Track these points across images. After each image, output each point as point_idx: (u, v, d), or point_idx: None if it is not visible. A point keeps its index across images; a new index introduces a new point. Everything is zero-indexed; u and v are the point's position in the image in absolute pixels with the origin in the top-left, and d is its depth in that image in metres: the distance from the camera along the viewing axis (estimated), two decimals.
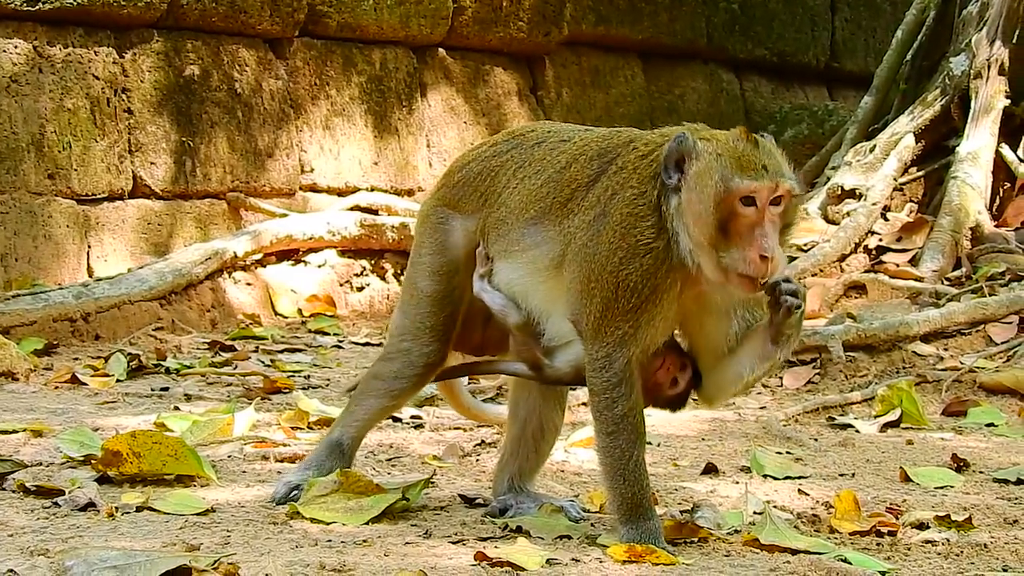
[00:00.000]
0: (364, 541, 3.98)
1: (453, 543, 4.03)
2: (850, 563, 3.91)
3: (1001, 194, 9.31)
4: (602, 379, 3.92)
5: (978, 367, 7.16)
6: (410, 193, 10.87)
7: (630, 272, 3.87)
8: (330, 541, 3.98)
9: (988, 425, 6.42)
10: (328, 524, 4.15)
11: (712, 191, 3.82)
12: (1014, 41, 9.44)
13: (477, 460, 5.22)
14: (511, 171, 4.19)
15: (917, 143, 9.66)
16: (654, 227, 3.88)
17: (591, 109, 12.02)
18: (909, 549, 4.17)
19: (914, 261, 8.85)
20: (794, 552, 4.04)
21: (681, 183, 3.86)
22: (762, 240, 3.82)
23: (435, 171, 10.84)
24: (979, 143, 9.24)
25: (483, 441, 5.43)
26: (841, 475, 5.26)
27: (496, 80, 11.58)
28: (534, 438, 4.42)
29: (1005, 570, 3.94)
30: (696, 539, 4.17)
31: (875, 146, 9.70)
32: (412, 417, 5.97)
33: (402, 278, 5.09)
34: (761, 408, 6.68)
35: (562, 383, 4.25)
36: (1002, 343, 7.48)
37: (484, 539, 4.08)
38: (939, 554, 4.11)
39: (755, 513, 4.52)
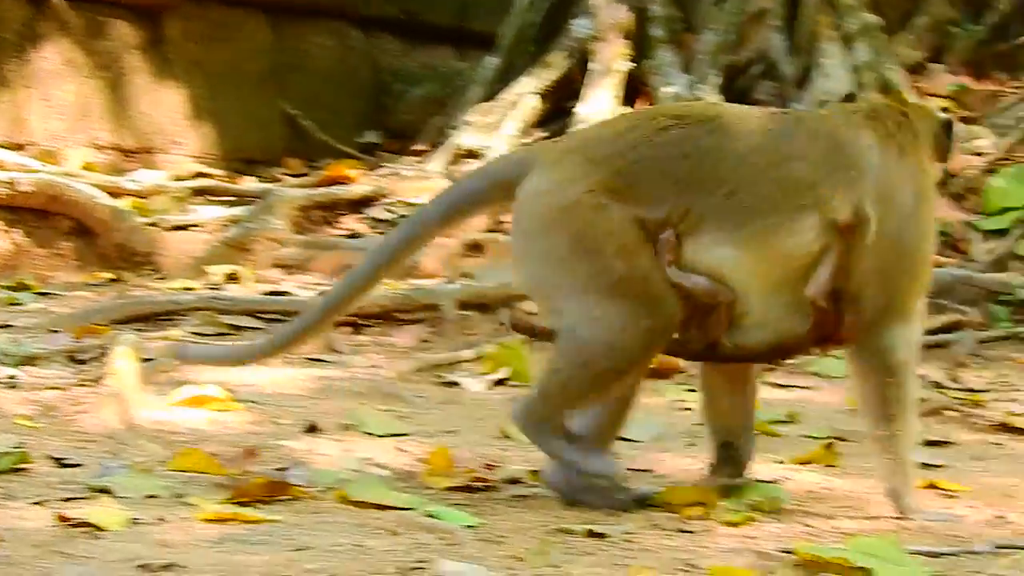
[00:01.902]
0: None
1: (34, 504, 3.89)
2: (438, 518, 3.91)
3: None
4: (911, 354, 4.06)
5: None
6: (22, 147, 10.48)
7: (934, 243, 4.14)
8: None
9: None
10: None
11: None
12: (635, 4, 9.63)
13: (69, 420, 5.05)
14: (714, 154, 3.99)
15: (540, 104, 9.78)
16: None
17: (216, 64, 11.81)
18: (499, 503, 4.20)
19: None
20: (384, 508, 4.03)
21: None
22: None
23: (50, 125, 10.49)
24: (599, 105, 9.41)
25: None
26: (443, 432, 5.28)
27: (117, 33, 11.27)
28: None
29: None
30: (288, 497, 4.12)
31: (497, 106, 9.79)
32: (8, 377, 5.75)
33: None
34: (372, 366, 6.66)
35: (738, 359, 4.17)
36: None
37: (68, 500, 3.95)
38: (528, 507, 4.15)
39: (352, 471, 4.51)
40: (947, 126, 4.25)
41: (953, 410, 5.97)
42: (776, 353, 4.23)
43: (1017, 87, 8.76)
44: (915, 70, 9.01)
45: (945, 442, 5.39)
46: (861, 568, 3.50)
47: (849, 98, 3.82)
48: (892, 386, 4.06)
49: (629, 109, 9.35)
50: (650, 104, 9.33)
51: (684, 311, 4.00)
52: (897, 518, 4.09)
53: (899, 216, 4.05)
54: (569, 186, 3.97)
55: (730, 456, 4.35)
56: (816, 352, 4.52)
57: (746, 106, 4.40)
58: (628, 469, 4.57)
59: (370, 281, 4.27)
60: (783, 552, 3.70)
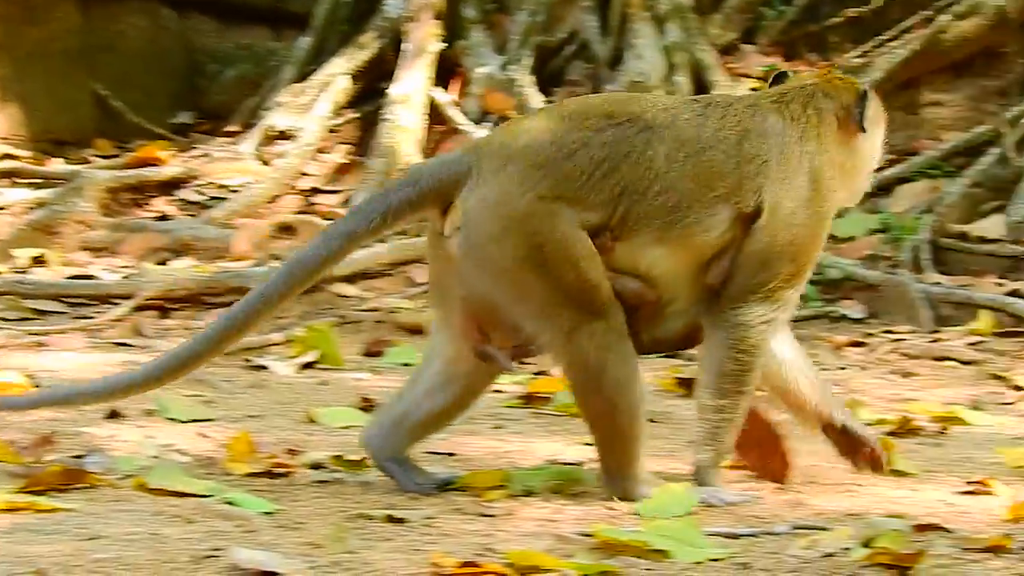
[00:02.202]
0: None
1: None
2: (236, 505, 3.87)
3: (434, 136, 9.46)
4: (763, 340, 4.06)
5: (399, 308, 7.26)
6: None
7: (826, 229, 4.16)
8: None
9: (404, 364, 6.49)
10: None
11: (880, 136, 4.30)
12: None
13: None
14: (647, 154, 3.97)
15: (353, 85, 9.71)
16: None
17: (24, 45, 11.54)
18: (299, 489, 4.16)
19: (347, 203, 8.91)
20: (183, 495, 3.96)
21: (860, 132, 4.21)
22: None
23: None
24: (411, 86, 9.36)
25: None
26: (249, 417, 5.22)
27: None
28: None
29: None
30: (84, 485, 4.04)
31: (309, 87, 9.70)
32: None
33: None
34: None
35: (654, 352, 4.22)
36: (423, 283, 7.61)
37: None
38: (328, 493, 4.12)
39: (152, 457, 4.43)
40: (862, 96, 4.22)
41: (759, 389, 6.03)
42: (686, 342, 4.22)
43: (827, 67, 8.85)
44: (727, 51, 9.09)
45: None
46: (659, 550, 3.52)
47: (780, 78, 3.77)
48: (736, 363, 4.07)
49: (440, 90, 9.32)
50: (463, 85, 9.34)
51: None
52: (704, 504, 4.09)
53: (793, 202, 4.07)
54: (520, 195, 3.91)
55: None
56: None
57: (663, 95, 4.42)
58: (430, 452, 4.57)
59: (284, 296, 4.13)
60: (583, 535, 3.71)
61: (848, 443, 4.38)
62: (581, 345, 3.93)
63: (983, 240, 7.91)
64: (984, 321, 7.23)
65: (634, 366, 3.99)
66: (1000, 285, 7.58)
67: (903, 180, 8.48)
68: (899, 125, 8.82)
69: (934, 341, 7.15)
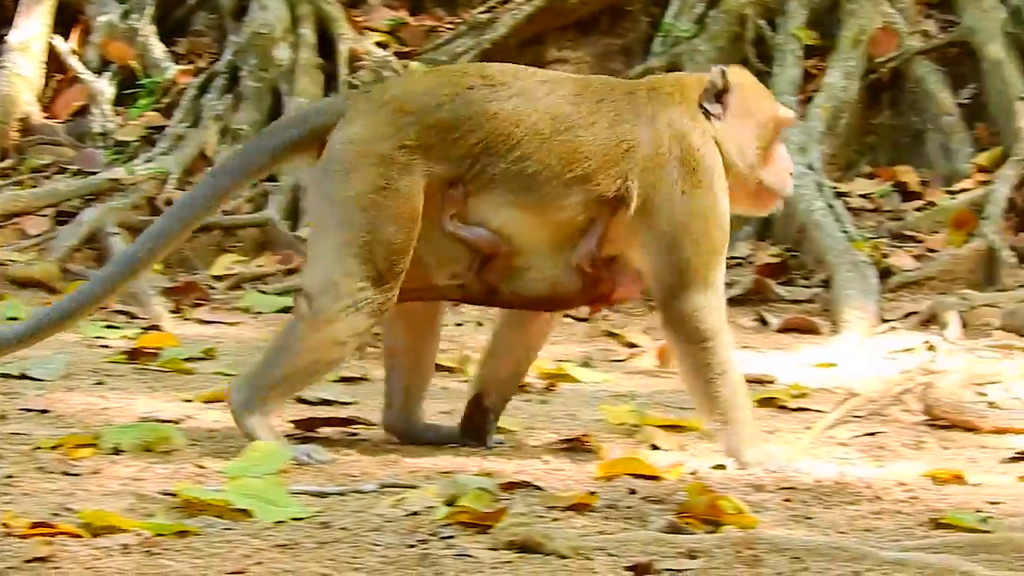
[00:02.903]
0: None
1: None
2: None
3: (53, 85, 9.13)
4: (716, 320, 4.13)
5: (10, 260, 7.01)
6: None
7: (723, 209, 4.21)
8: None
9: (11, 319, 6.23)
10: None
11: (762, 119, 4.29)
12: None
13: None
14: (513, 120, 4.13)
15: None
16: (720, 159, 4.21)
17: None
18: None
19: None
20: None
21: (722, 114, 4.22)
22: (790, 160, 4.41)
23: None
24: (30, 32, 9.00)
25: None
26: None
27: None
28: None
29: None
30: None
31: None
32: None
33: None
34: None
35: (516, 306, 4.31)
36: (36, 236, 7.37)
37: None
38: None
39: None
40: (712, 81, 4.26)
41: None
42: (551, 304, 4.33)
43: (454, 23, 8.84)
44: (354, 4, 8.97)
45: None
46: (241, 509, 3.44)
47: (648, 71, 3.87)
48: (703, 352, 4.14)
49: (60, 38, 8.99)
50: (84, 34, 9.02)
51: (465, 259, 4.15)
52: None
53: (667, 189, 4.15)
54: (384, 139, 4.10)
55: (478, 411, 4.42)
56: (591, 308, 4.98)
57: (550, 71, 4.52)
58: (23, 410, 4.40)
59: (176, 235, 4.26)
60: (166, 494, 3.60)
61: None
62: (340, 300, 4.05)
63: None
64: None
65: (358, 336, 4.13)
66: None
67: None
68: None
69: None
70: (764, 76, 8.17)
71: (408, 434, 4.41)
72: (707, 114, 4.24)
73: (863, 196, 7.72)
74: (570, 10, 8.75)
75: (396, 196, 4.06)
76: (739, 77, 4.35)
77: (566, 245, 4.17)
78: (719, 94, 4.25)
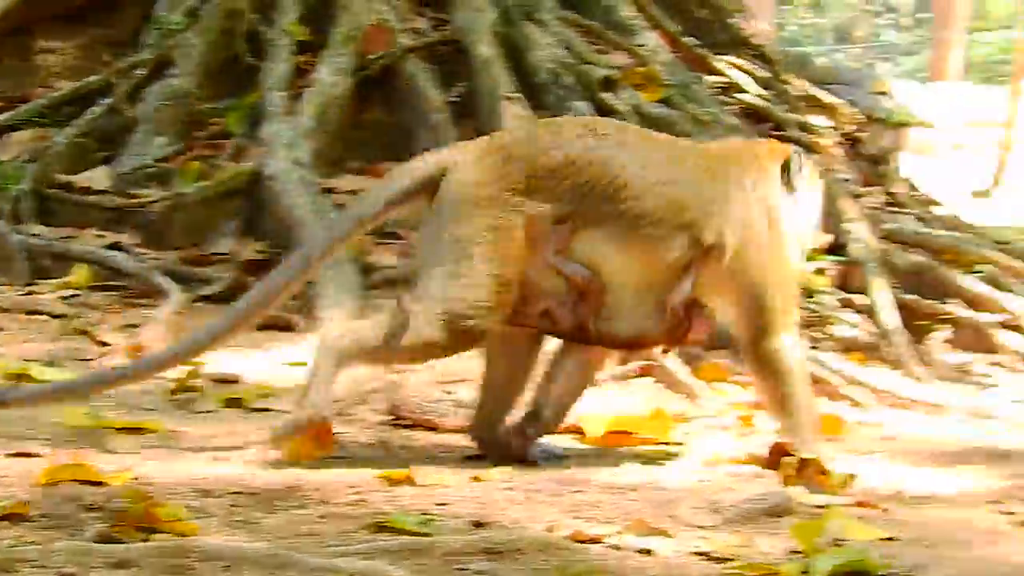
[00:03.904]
0: None
1: None
2: None
3: None
4: (795, 359, 4.70)
5: None
6: None
7: (795, 261, 4.79)
8: None
9: None
10: None
11: (816, 197, 4.94)
12: None
13: None
14: (618, 162, 4.51)
15: None
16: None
17: None
18: None
19: None
20: None
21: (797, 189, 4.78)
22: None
23: None
24: None
25: None
26: None
27: None
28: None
29: None
30: None
31: None
32: None
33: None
34: None
35: (600, 344, 4.65)
36: None
37: None
38: None
39: None
40: (788, 161, 4.76)
41: None
42: (632, 345, 4.76)
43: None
44: None
45: None
46: None
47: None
48: (783, 387, 4.65)
49: None
50: None
51: (561, 294, 4.50)
52: None
53: (756, 243, 4.60)
54: (492, 183, 4.46)
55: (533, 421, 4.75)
56: (664, 349, 5.32)
57: (651, 131, 4.95)
58: None
59: (304, 273, 4.64)
60: None
61: None
62: (455, 324, 4.46)
63: (89, 191, 7.78)
64: (80, 274, 7.11)
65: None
66: (101, 237, 7.48)
67: (11, 128, 8.23)
68: (10, 72, 8.61)
69: (28, 294, 6.96)
70: (255, 71, 8.14)
71: (490, 444, 4.76)
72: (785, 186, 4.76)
73: (351, 192, 7.74)
74: (59, 0, 8.51)
75: (505, 234, 4.44)
76: (807, 164, 4.87)
77: (657, 288, 4.56)
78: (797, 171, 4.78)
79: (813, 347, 6.68)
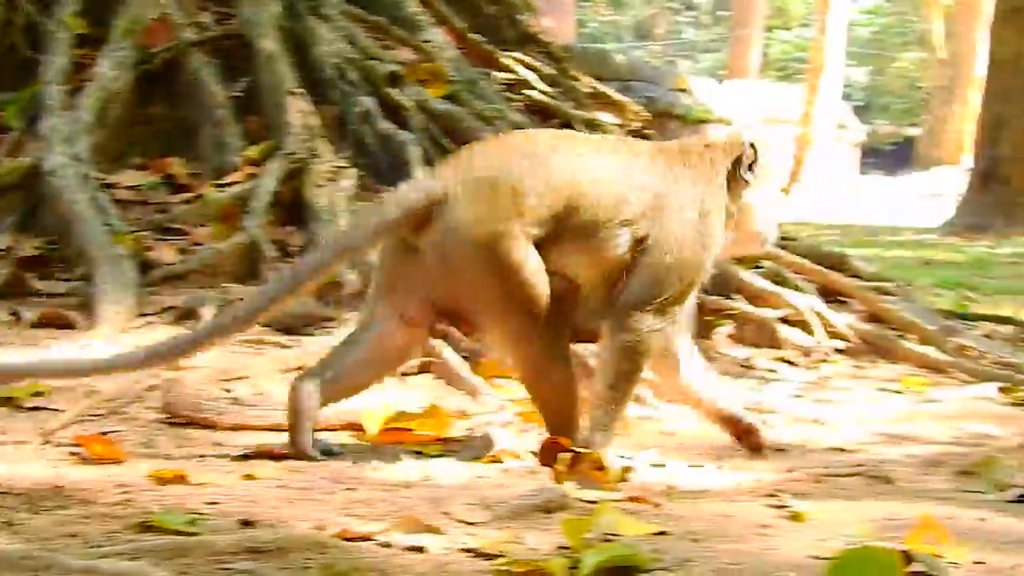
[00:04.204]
0: None
1: None
2: None
3: None
4: (651, 345, 4.85)
5: None
6: None
7: (707, 260, 4.93)
8: None
9: None
10: None
11: (775, 186, 5.13)
12: None
13: None
14: (584, 179, 4.74)
15: None
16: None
17: None
18: None
19: None
20: None
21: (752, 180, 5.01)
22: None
23: None
24: None
25: None
26: None
27: None
28: None
29: None
30: None
31: None
32: None
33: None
34: None
35: (578, 339, 4.96)
36: None
37: None
38: None
39: None
40: (746, 151, 4.98)
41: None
42: (595, 335, 4.91)
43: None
44: None
45: None
46: None
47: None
48: (630, 363, 4.81)
49: None
50: None
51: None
52: None
53: (678, 233, 4.81)
54: (490, 221, 4.60)
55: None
56: None
57: (599, 136, 5.45)
58: None
59: (282, 300, 4.65)
60: None
61: (735, 428, 5.21)
62: (529, 347, 4.70)
63: None
64: None
65: (568, 362, 4.76)
66: None
67: None
68: None
69: None
70: (34, 64, 7.97)
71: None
72: (739, 179, 5.00)
73: (131, 188, 7.61)
74: None
75: (523, 259, 4.62)
76: (761, 146, 5.05)
77: (610, 282, 4.81)
78: (751, 164, 5.00)
79: None
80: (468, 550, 3.65)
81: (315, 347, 5.83)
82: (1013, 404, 6.64)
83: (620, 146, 4.97)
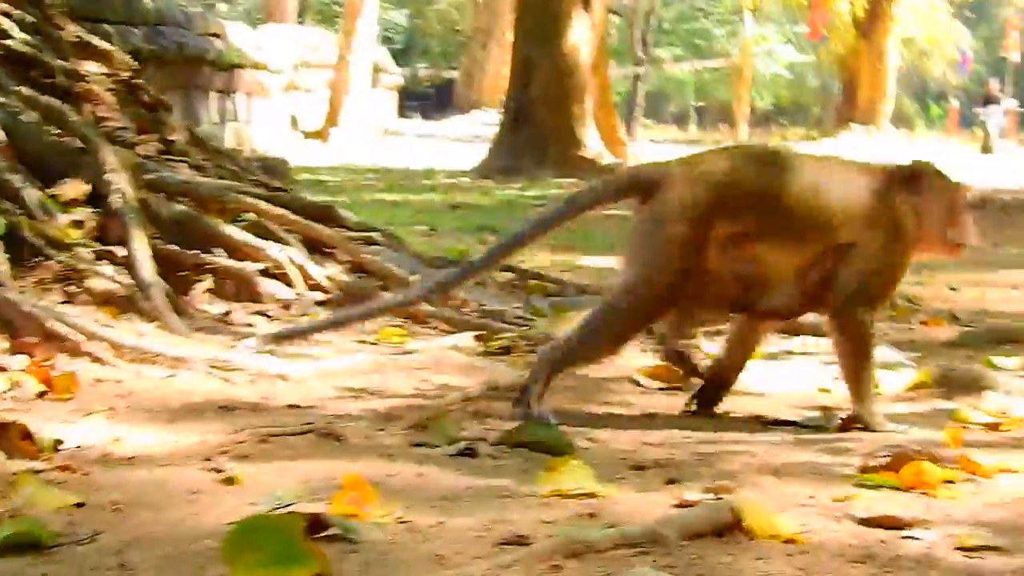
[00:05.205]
0: None
1: None
2: None
3: None
4: (867, 330, 5.51)
5: None
6: None
7: (904, 266, 5.65)
8: None
9: None
10: None
11: (945, 195, 5.64)
12: None
13: None
14: (786, 188, 5.38)
15: None
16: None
17: None
18: None
19: None
20: None
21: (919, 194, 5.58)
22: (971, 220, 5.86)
23: None
24: None
25: None
26: None
27: None
28: None
29: None
30: None
31: None
32: None
33: None
34: None
35: (769, 318, 5.69)
36: None
37: None
38: None
39: None
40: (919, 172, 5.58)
41: None
42: (785, 315, 5.65)
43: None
44: None
45: None
46: None
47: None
48: (856, 346, 5.47)
49: None
50: None
51: (735, 287, 5.40)
52: None
53: (877, 245, 5.44)
54: (692, 207, 5.28)
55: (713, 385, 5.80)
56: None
57: (806, 152, 5.86)
58: None
59: (523, 244, 5.51)
60: None
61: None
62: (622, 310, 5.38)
63: None
64: None
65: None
66: None
67: None
68: None
69: None
70: None
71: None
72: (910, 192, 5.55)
73: None
74: None
75: (693, 246, 5.29)
76: (925, 167, 5.61)
77: (800, 274, 5.42)
78: (915, 179, 5.55)
79: (66, 302, 6.56)
80: None
81: None
82: (484, 354, 6.76)
83: (826, 162, 5.65)
